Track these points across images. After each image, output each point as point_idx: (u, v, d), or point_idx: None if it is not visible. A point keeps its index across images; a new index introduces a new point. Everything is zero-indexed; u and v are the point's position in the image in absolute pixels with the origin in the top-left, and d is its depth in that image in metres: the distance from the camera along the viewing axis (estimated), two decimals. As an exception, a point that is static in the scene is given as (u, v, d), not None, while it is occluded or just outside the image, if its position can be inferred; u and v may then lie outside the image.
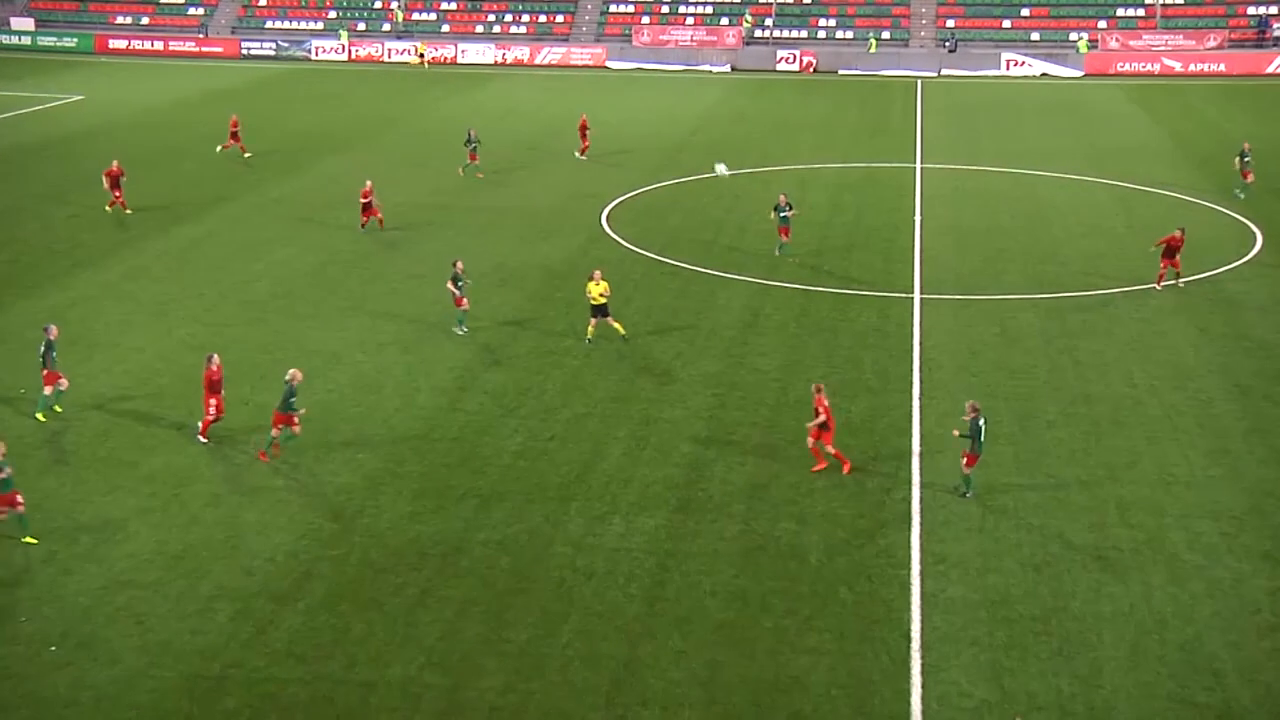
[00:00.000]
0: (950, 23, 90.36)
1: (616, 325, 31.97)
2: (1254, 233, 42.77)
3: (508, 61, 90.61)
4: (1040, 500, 23.88)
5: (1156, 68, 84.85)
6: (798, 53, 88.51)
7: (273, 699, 18.07)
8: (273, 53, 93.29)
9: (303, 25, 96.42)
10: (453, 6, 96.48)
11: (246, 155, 55.07)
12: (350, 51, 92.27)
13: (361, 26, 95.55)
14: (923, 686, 18.35)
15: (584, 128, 56.25)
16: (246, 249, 41.21)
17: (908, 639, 19.49)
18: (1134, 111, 69.88)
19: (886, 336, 32.80)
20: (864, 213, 46.26)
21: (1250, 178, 47.87)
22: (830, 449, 24.82)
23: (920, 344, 32.12)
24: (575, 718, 17.79)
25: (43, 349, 27.56)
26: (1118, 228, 44.15)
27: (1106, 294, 36.29)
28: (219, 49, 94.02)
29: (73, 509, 23.41)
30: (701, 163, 53.76)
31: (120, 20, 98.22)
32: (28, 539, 22.13)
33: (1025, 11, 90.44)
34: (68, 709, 17.84)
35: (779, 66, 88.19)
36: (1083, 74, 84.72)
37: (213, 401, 26.14)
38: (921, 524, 22.97)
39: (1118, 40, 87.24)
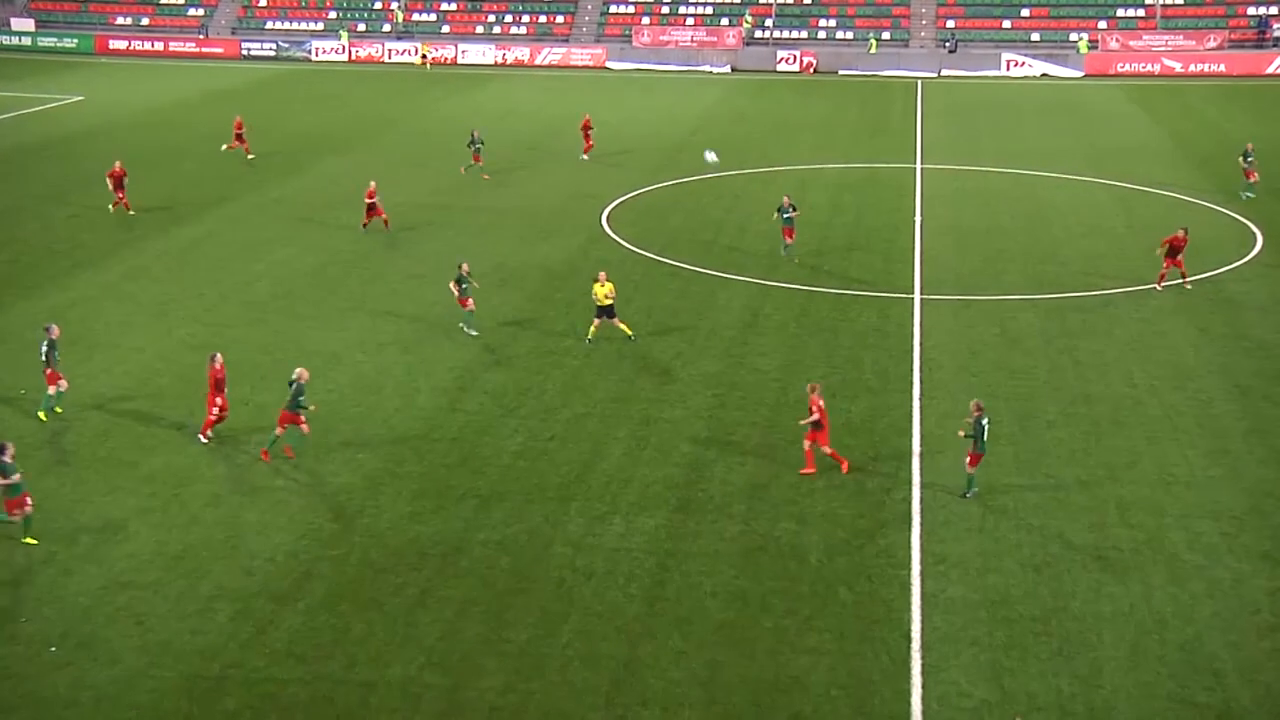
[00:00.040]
0: (950, 23, 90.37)
1: (623, 326, 31.99)
2: (1254, 233, 42.77)
3: (508, 62, 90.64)
4: (1040, 500, 23.88)
5: (1156, 68, 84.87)
6: (798, 53, 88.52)
7: (273, 699, 18.07)
8: (273, 53, 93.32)
9: (303, 26, 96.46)
10: (453, 7, 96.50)
11: (250, 157, 55.10)
12: (350, 52, 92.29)
13: (361, 27, 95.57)
14: (923, 686, 18.35)
15: (587, 127, 56.26)
16: (247, 249, 41.22)
17: (908, 639, 19.49)
18: (1134, 112, 69.89)
19: (887, 337, 32.80)
20: (864, 213, 46.26)
21: (1254, 177, 47.78)
22: (826, 449, 24.79)
23: (920, 344, 32.13)
24: (575, 718, 17.79)
25: (45, 348, 27.57)
26: (1118, 228, 44.16)
27: (1106, 294, 36.29)
28: (219, 49, 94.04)
29: (73, 509, 23.41)
30: (702, 163, 53.71)
31: (120, 21, 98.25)
32: (28, 539, 22.14)
33: (1025, 12, 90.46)
34: (68, 709, 17.84)
35: (779, 67, 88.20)
36: (1083, 74, 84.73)
37: (217, 400, 26.15)
38: (921, 524, 22.97)
39: (1118, 41, 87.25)
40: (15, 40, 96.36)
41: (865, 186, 50.94)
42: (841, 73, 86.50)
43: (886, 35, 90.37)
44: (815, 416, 24.55)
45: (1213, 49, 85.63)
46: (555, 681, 18.49)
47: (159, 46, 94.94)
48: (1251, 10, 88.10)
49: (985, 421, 23.56)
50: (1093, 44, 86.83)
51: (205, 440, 26.20)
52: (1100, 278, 37.80)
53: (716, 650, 19.23)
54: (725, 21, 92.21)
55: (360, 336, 32.75)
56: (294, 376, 25.41)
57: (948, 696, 18.14)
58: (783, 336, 32.94)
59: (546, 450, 26.08)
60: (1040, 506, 23.64)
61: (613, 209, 46.53)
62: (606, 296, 31.78)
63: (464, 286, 32.53)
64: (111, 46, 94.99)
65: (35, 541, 22.11)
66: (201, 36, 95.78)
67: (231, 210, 46.72)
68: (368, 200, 42.77)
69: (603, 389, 29.33)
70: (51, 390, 27.55)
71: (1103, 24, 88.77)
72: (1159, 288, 36.31)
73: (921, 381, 29.67)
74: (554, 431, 26.99)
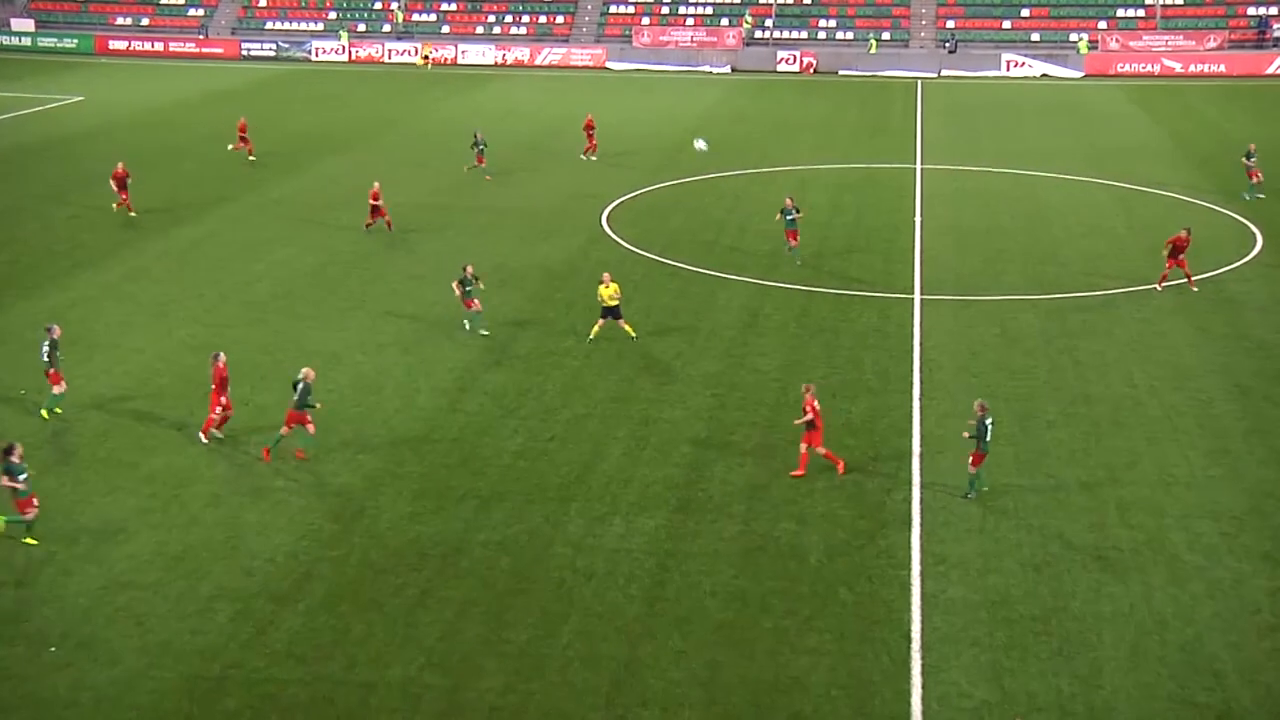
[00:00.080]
0: (950, 23, 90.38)
1: (627, 327, 32.00)
2: (1254, 233, 42.77)
3: (508, 62, 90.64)
4: (1040, 501, 23.88)
5: (1156, 68, 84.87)
6: (798, 53, 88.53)
7: (273, 700, 18.07)
8: (273, 54, 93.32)
9: (303, 26, 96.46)
10: (453, 7, 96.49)
11: (251, 158, 55.13)
12: (350, 52, 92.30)
13: (361, 27, 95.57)
14: (923, 687, 18.34)
15: (590, 128, 56.24)
16: (247, 250, 41.22)
17: (908, 639, 19.48)
18: (1134, 112, 69.89)
19: (887, 337, 32.80)
20: (864, 213, 46.26)
21: (1257, 178, 47.57)
22: (821, 450, 24.74)
23: (920, 344, 32.12)
24: (575, 718, 17.79)
25: (47, 348, 27.57)
26: (1118, 228, 44.16)
27: (1106, 294, 36.29)
28: (219, 50, 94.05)
29: (73, 510, 23.41)
30: (702, 164, 53.76)
31: (120, 21, 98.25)
32: (28, 540, 22.14)
33: (1025, 12, 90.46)
34: (67, 710, 17.83)
35: (779, 67, 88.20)
36: (1083, 75, 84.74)
37: (221, 400, 26.15)
38: (922, 525, 22.97)
39: (1118, 41, 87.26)
40: (15, 40, 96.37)
41: (865, 187, 50.94)
42: (841, 73, 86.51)
43: (886, 35, 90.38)
44: (809, 417, 24.51)
45: (1213, 49, 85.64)
46: (555, 682, 18.48)
47: (159, 47, 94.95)
48: (1251, 10, 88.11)
49: (989, 421, 23.57)
50: (1093, 44, 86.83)
51: (205, 440, 26.20)
52: (1100, 278, 37.80)
53: (716, 651, 19.22)
54: (725, 22, 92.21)
55: (360, 337, 32.76)
56: (300, 376, 25.39)
57: (948, 697, 18.13)
58: (783, 337, 32.93)
59: (546, 451, 26.07)
60: (1040, 507, 23.63)
61: (613, 209, 46.53)
62: (612, 297, 31.80)
63: (468, 289, 32.52)
64: (111, 47, 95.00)
65: (35, 542, 22.11)
66: (201, 37, 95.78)
67: (231, 210, 46.73)
68: (372, 202, 42.72)
69: (603, 389, 29.33)
70: (57, 390, 27.60)
71: (1103, 24, 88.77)
72: (1159, 288, 36.31)
73: (921, 382, 29.67)
74: (554, 432, 26.99)
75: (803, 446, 24.78)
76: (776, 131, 63.97)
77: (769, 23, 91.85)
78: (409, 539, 22.50)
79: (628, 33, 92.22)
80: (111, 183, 45.36)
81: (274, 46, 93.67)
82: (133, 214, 44.93)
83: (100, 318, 34.32)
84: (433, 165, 54.58)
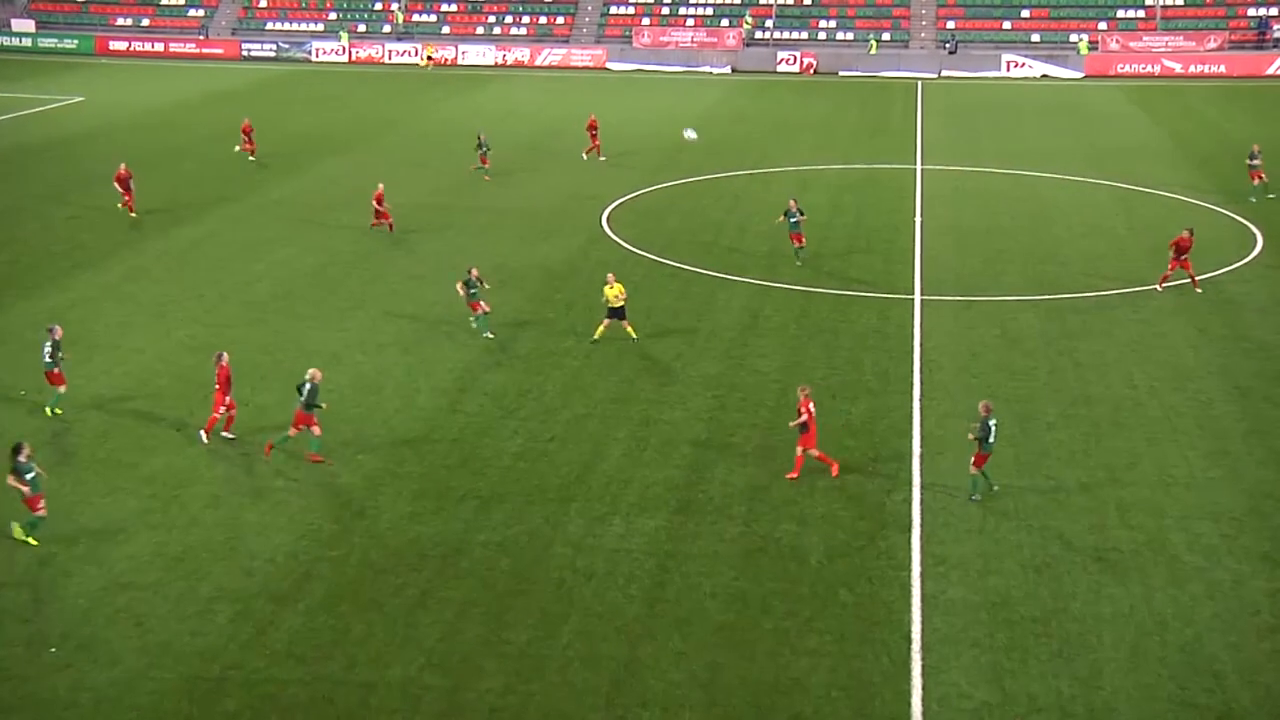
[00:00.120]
0: (950, 24, 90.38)
1: (629, 329, 32.00)
2: (1254, 234, 42.77)
3: (508, 63, 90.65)
4: (1040, 502, 23.87)
5: (1157, 69, 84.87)
6: (798, 54, 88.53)
7: (273, 700, 18.07)
8: (273, 54, 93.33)
9: (303, 27, 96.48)
10: (453, 8, 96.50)
11: (251, 159, 55.12)
12: (350, 53, 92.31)
13: (362, 28, 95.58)
14: (923, 688, 18.34)
15: (593, 128, 56.23)
16: (247, 250, 41.22)
17: (908, 641, 19.48)
18: (1134, 113, 69.89)
19: (887, 338, 32.79)
20: (864, 214, 46.26)
21: (1260, 178, 47.37)
22: (814, 452, 24.71)
23: (921, 345, 32.12)
24: (575, 719, 17.79)
25: (49, 349, 27.57)
26: (1118, 228, 44.15)
27: (1107, 295, 36.28)
28: (219, 50, 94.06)
29: (72, 510, 23.39)
30: (702, 164, 53.82)
31: (120, 22, 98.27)
32: (30, 539, 22.13)
33: (1025, 13, 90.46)
34: (67, 710, 17.83)
35: (779, 68, 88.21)
36: (1083, 75, 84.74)
37: (225, 400, 26.15)
38: (922, 526, 22.96)
39: (1118, 42, 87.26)
40: (16, 41, 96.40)
41: (865, 187, 50.94)
42: (842, 74, 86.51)
43: (887, 36, 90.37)
44: (803, 419, 24.47)
45: (1213, 50, 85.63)
46: (555, 683, 18.48)
47: (159, 47, 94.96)
48: (1251, 11, 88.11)
49: (993, 423, 23.57)
50: (1093, 45, 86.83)
51: (206, 440, 26.19)
52: (1100, 279, 37.79)
53: (717, 652, 19.22)
54: (725, 22, 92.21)
55: (360, 337, 32.76)
56: (307, 378, 25.38)
57: (948, 698, 18.13)
58: (783, 338, 32.93)
59: (546, 451, 26.07)
60: (1040, 508, 23.63)
61: (613, 210, 46.53)
62: (616, 298, 31.82)
63: (472, 291, 32.52)
64: (112, 47, 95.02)
65: (36, 543, 22.11)
66: (202, 37, 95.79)
67: (232, 211, 46.72)
68: (375, 205, 42.60)
69: (603, 390, 29.33)
70: (63, 389, 27.63)
71: (1103, 25, 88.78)
72: (1160, 289, 36.30)
73: (922, 383, 29.66)
74: (554, 432, 26.99)
75: (798, 449, 24.77)
76: (776, 132, 63.97)
77: (769, 23, 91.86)
78: (409, 539, 22.50)
79: (628, 33, 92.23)
80: (115, 184, 45.37)
81: (274, 47, 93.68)
82: (133, 215, 44.92)
83: (100, 318, 34.32)
84: (433, 165, 54.60)
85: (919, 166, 54.86)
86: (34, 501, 22.07)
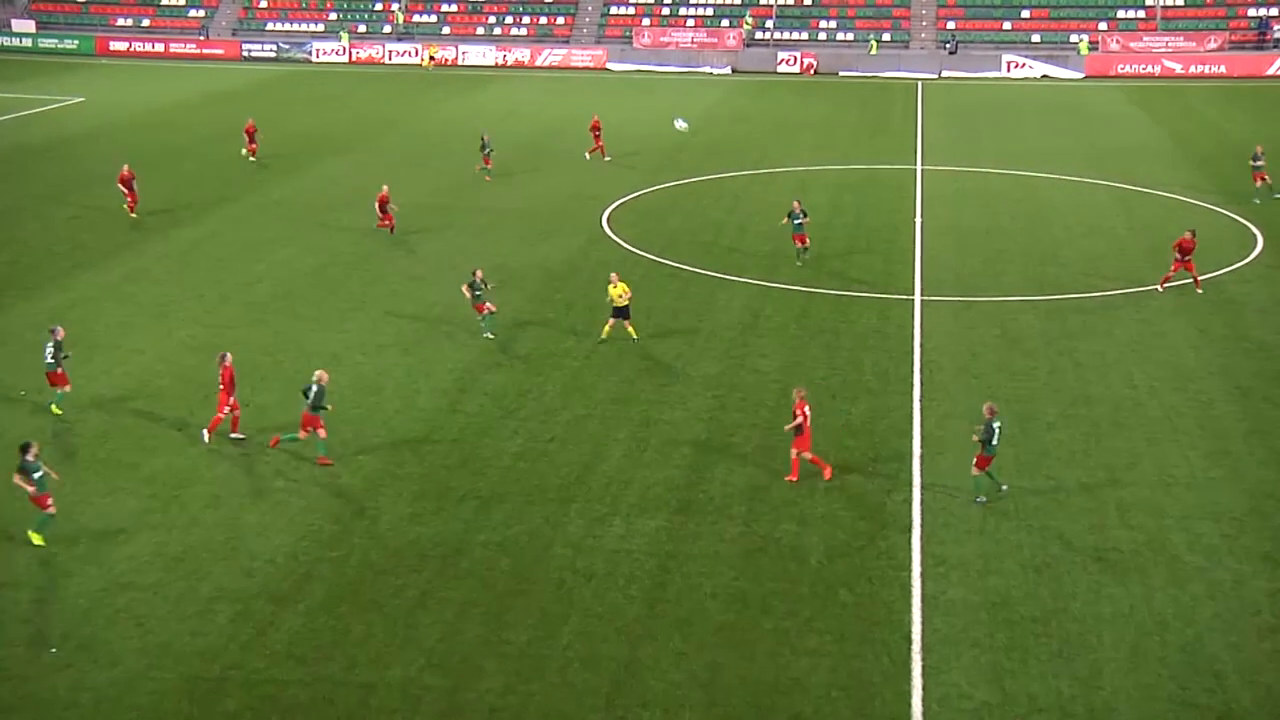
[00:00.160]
0: (951, 25, 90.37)
1: (630, 329, 32.00)
2: (1254, 234, 42.76)
3: (508, 63, 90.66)
4: (1041, 502, 23.87)
5: (1157, 69, 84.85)
6: (798, 54, 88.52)
7: (273, 700, 18.07)
8: (273, 55, 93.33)
9: (303, 27, 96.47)
10: (453, 9, 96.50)
11: (252, 160, 55.12)
12: (351, 54, 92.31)
13: (362, 29, 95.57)
14: (923, 688, 18.34)
15: (596, 128, 56.18)
16: (247, 250, 41.22)
17: (908, 641, 19.48)
18: (1134, 113, 69.88)
19: (887, 338, 32.79)
20: (864, 214, 46.25)
21: (1262, 180, 47.21)
22: (807, 455, 24.65)
23: (921, 346, 32.11)
24: (575, 719, 17.78)
25: (51, 350, 27.57)
26: (1118, 229, 44.15)
27: (1107, 295, 36.28)
28: (220, 51, 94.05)
29: (73, 510, 23.38)
30: (702, 164, 53.82)
31: (121, 22, 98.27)
32: (32, 536, 22.14)
33: (1026, 13, 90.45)
34: (67, 711, 17.83)
35: (779, 68, 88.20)
36: (1083, 76, 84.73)
37: (229, 400, 26.15)
38: (922, 526, 22.96)
39: (1118, 42, 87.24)
40: (16, 41, 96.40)
41: (865, 187, 50.93)
42: (842, 74, 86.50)
43: (887, 36, 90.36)
44: (798, 421, 24.41)
45: (1213, 50, 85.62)
46: (555, 683, 18.48)
47: (159, 48, 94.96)
48: (1252, 11, 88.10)
49: (997, 424, 23.55)
50: (1093, 45, 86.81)
51: (208, 440, 26.20)
52: (1100, 279, 37.79)
53: (717, 652, 19.22)
54: (726, 23, 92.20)
55: (360, 338, 32.76)
56: (314, 379, 25.39)
57: (948, 698, 18.13)
58: (783, 338, 32.92)
59: (547, 451, 26.07)
60: (1040, 508, 23.62)
61: (613, 210, 46.53)
62: (620, 297, 31.81)
63: (477, 292, 32.51)
64: (112, 48, 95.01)
65: (43, 543, 22.10)
66: (202, 38, 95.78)
67: (232, 211, 46.73)
68: (379, 207, 42.54)
69: (603, 390, 29.33)
70: (67, 389, 27.64)
71: (1103, 25, 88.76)
72: (1160, 289, 36.30)
73: (922, 383, 29.66)
74: (554, 433, 26.99)
75: (793, 452, 24.71)
76: (777, 132, 63.97)
77: (769, 24, 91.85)
78: (409, 540, 22.50)
79: (628, 34, 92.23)
80: (119, 186, 45.37)
81: (275, 47, 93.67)
82: (133, 215, 44.91)
83: (100, 318, 34.33)
84: (433, 166, 54.60)
85: (919, 167, 54.86)
86: (42, 500, 22.11)
